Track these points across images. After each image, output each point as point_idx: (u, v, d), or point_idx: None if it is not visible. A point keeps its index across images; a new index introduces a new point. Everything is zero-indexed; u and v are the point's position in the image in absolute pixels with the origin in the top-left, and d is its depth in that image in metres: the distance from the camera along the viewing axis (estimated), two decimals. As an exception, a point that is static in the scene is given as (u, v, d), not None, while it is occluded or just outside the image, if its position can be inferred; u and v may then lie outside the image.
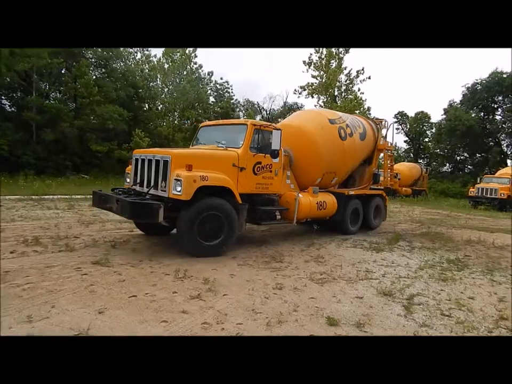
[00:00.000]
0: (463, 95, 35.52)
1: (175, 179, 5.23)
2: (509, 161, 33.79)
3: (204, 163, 5.67)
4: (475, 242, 8.69)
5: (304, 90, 38.27)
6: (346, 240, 7.90)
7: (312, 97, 35.75)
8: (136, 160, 6.14)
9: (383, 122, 10.12)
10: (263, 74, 68.61)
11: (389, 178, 10.31)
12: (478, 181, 23.79)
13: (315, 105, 38.23)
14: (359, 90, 36.80)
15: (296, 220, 7.05)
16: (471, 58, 62.32)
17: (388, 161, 10.50)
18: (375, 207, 9.50)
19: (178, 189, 5.15)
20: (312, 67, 35.61)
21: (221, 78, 37.36)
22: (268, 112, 40.61)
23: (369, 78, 36.70)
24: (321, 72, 35.18)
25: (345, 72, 36.18)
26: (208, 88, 36.19)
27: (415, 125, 42.89)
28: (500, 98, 34.24)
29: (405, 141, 45.75)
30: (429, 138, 42.86)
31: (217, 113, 36.09)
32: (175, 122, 31.87)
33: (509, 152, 34.82)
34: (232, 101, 39.86)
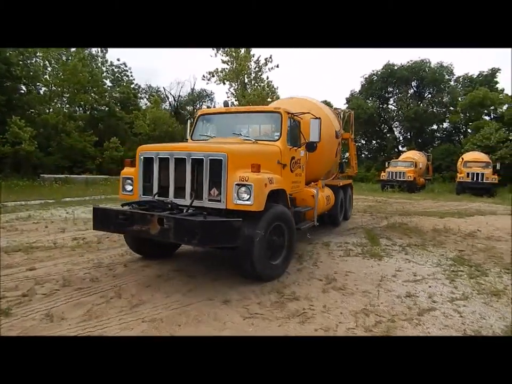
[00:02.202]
0: (361, 85, 38.03)
1: (239, 184, 3.94)
2: (401, 147, 37.69)
3: (257, 161, 4.22)
4: (443, 231, 8.28)
5: (213, 76, 36.29)
6: (328, 246, 6.50)
7: (224, 83, 33.96)
8: (147, 160, 4.48)
9: (344, 113, 9.93)
10: (164, 59, 63.70)
11: (354, 167, 9.68)
12: (386, 165, 25.43)
13: (226, 93, 36.56)
14: (267, 78, 36.47)
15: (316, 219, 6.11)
16: (370, 50, 67.61)
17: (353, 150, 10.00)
18: (348, 197, 9.37)
19: (246, 197, 3.91)
20: (221, 52, 33.69)
21: (118, 59, 32.52)
22: (175, 99, 37.27)
23: (277, 66, 36.60)
24: (231, 58, 33.60)
25: (254, 59, 35.34)
26: (104, 69, 31.25)
27: (319, 113, 44.77)
28: (391, 89, 37.77)
29: (310, 129, 47.45)
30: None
31: (116, 99, 31.62)
32: (64, 109, 26.55)
33: (401, 138, 38.81)
34: (132, 86, 35.49)
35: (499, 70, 35.41)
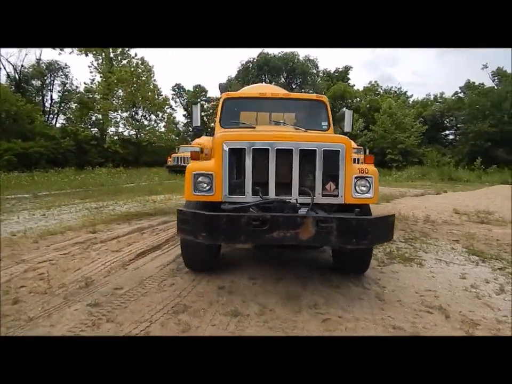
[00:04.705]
0: (237, 71, 37.96)
1: (359, 177, 3.67)
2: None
3: None
4: (403, 218, 8.34)
5: (67, 45, 29.86)
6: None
7: (87, 55, 28.19)
8: (236, 152, 3.68)
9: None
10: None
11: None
12: (176, 151, 23.61)
13: (89, 67, 30.54)
14: (135, 55, 32.64)
15: None
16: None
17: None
18: None
19: (365, 190, 3.68)
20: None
21: None
22: (16, 70, 28.83)
23: (147, 42, 32.91)
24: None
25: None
26: None
27: (192, 99, 43.08)
28: (265, 77, 39.00)
29: (183, 115, 45.53)
30: (206, 112, 44.21)
31: None
32: None
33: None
34: None
35: (351, 67, 40.92)
